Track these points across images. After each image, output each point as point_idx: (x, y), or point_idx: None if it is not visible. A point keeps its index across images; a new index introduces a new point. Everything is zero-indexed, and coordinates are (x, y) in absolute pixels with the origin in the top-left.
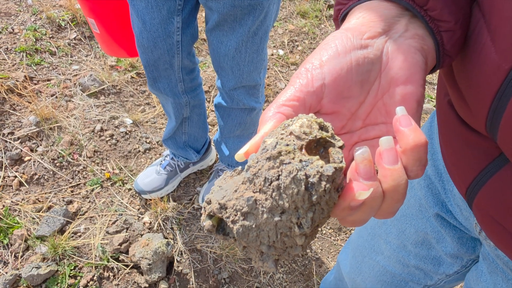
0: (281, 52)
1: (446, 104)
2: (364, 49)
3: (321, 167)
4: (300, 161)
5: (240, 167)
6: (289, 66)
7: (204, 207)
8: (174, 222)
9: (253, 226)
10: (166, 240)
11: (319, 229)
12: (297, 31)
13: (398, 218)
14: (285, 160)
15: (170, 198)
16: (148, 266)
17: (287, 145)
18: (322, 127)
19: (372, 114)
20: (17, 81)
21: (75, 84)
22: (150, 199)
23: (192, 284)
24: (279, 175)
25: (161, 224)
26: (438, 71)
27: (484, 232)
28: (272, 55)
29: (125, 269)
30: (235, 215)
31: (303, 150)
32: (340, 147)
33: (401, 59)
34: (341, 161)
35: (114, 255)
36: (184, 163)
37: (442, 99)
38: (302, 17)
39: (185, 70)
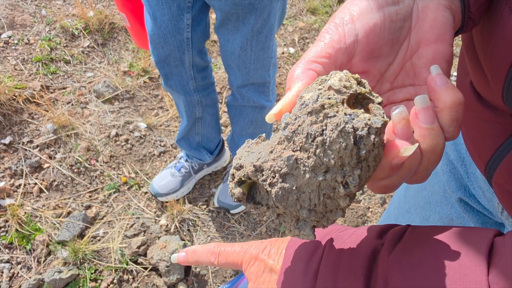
0: (291, 50)
1: (467, 84)
2: (396, 5)
3: (369, 119)
4: (345, 114)
5: (263, 135)
6: None
7: (233, 174)
8: (191, 223)
9: (293, 188)
10: (183, 242)
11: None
12: (307, 28)
13: (421, 206)
14: (330, 114)
15: (186, 200)
16: (167, 268)
17: (329, 98)
18: (359, 83)
19: (400, 76)
20: (34, 90)
21: (90, 91)
22: (166, 202)
23: (210, 285)
24: (323, 130)
25: (178, 226)
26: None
27: (505, 210)
28: (283, 53)
29: (144, 272)
30: (273, 177)
31: (345, 105)
32: (379, 104)
33: (432, 17)
34: (384, 117)
35: (133, 258)
36: (198, 164)
37: (463, 79)
38: (312, 13)
39: (196, 67)
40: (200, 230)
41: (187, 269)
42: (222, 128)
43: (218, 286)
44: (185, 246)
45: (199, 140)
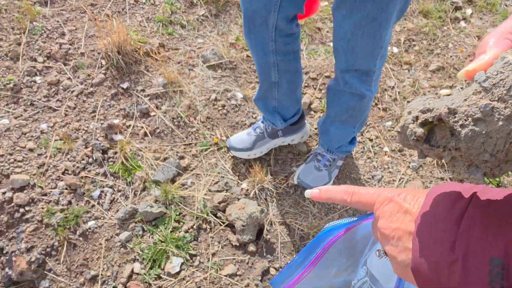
0: (395, 49)
1: None
2: None
3: None
4: None
5: None
6: (401, 65)
7: (417, 116)
8: (269, 193)
9: (483, 132)
10: (261, 207)
11: None
12: (416, 31)
13: None
14: None
15: (269, 172)
16: (242, 227)
17: None
18: None
19: None
20: (152, 46)
21: (198, 55)
22: (252, 169)
23: (277, 253)
24: None
25: (257, 193)
26: None
27: None
28: None
29: (221, 226)
30: (465, 120)
31: None
32: None
33: None
34: None
35: (213, 211)
36: (271, 129)
37: None
38: (424, 16)
39: (280, 32)
40: (276, 202)
41: (259, 233)
42: (312, 113)
43: (285, 256)
44: (262, 211)
45: (275, 105)
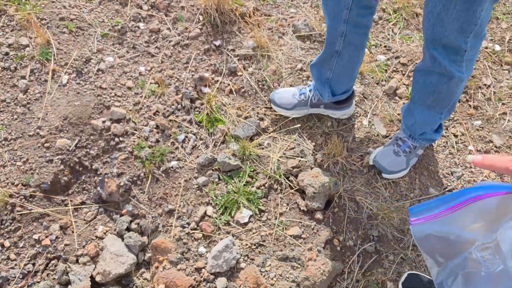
0: (497, 47)
1: None
2: None
3: None
4: None
5: None
6: (501, 65)
7: None
8: (342, 168)
9: None
10: (334, 179)
11: None
12: None
13: None
14: None
15: (345, 148)
16: (313, 194)
17: None
18: None
19: None
20: (247, 9)
21: (289, 24)
22: (329, 141)
23: (343, 227)
24: None
25: (331, 166)
26: None
27: None
28: (486, 48)
29: (291, 189)
30: None
31: None
32: None
33: None
34: None
35: (286, 174)
36: (317, 100)
37: None
38: None
39: (358, 1)
40: (348, 178)
41: (327, 204)
42: (397, 98)
43: (350, 231)
44: (336, 184)
45: (329, 77)
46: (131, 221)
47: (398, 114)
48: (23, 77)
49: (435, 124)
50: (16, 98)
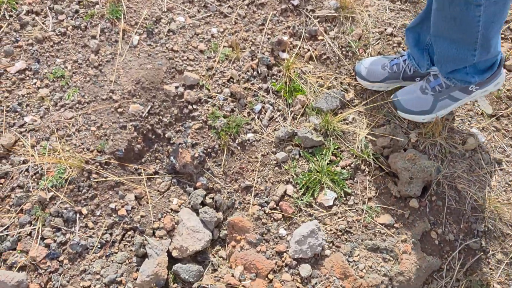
0: None
1: None
2: None
3: None
4: None
5: None
6: None
7: None
8: (441, 151)
9: None
10: (437, 164)
11: None
12: None
13: None
14: None
15: (446, 127)
16: (409, 179)
17: None
18: None
19: None
20: None
21: None
22: (423, 121)
23: (442, 218)
24: None
25: (428, 147)
26: None
27: None
28: None
29: (381, 172)
30: None
31: None
32: None
33: None
34: None
35: (375, 154)
36: (413, 71)
37: None
38: None
39: None
40: (447, 163)
41: (424, 190)
42: (505, 71)
43: (451, 224)
44: (438, 169)
45: (429, 42)
46: (205, 195)
47: (508, 90)
48: (94, 37)
49: (467, 62)
50: (88, 59)
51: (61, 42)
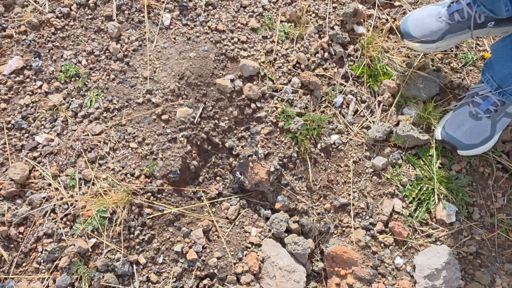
0: None
1: None
2: None
3: None
4: None
5: None
6: None
7: None
8: None
9: None
10: None
11: None
12: None
13: None
14: None
15: None
16: None
17: None
18: None
19: None
20: None
21: None
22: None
23: None
24: None
25: None
26: None
27: None
28: None
29: (504, 173)
30: None
31: None
32: None
33: None
34: None
35: (495, 151)
36: (485, 17)
37: None
38: None
39: None
40: None
41: None
42: None
43: None
44: None
45: None
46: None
47: None
48: (109, 18)
49: None
50: (107, 49)
51: (66, 27)
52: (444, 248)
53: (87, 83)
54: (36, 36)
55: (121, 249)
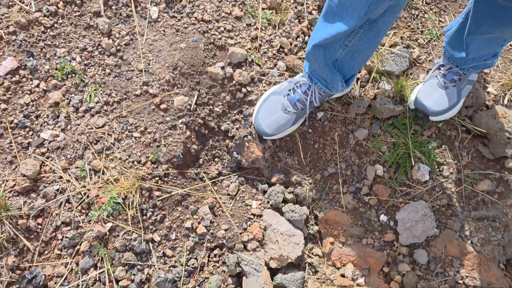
0: None
1: None
2: None
3: None
4: None
5: None
6: None
7: None
8: None
9: None
10: None
11: None
12: None
13: None
14: None
15: None
16: (506, 140)
17: None
18: None
19: None
20: None
21: None
22: (500, 73)
23: None
24: None
25: (510, 99)
26: None
27: None
28: None
29: (468, 134)
30: None
31: None
32: None
33: None
34: None
35: (459, 116)
36: (320, 95)
37: None
38: None
39: None
40: None
41: None
42: None
43: None
44: None
45: (340, 58)
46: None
47: None
48: (97, 14)
49: (496, 51)
50: (100, 45)
51: (56, 26)
52: (421, 203)
53: (84, 79)
54: (27, 36)
55: (136, 230)
